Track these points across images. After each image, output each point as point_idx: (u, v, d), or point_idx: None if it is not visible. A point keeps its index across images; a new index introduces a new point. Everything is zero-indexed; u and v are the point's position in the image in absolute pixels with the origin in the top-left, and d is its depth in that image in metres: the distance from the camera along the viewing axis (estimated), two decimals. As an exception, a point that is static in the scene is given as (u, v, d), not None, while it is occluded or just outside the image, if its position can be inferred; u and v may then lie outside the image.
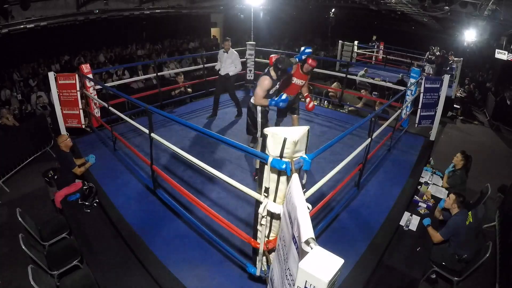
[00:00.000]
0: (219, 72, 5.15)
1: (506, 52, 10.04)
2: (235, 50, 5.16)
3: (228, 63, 5.04)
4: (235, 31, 16.34)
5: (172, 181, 2.85)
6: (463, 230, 2.94)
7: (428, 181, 4.03)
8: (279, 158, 1.67)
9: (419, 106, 4.83)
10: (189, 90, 6.14)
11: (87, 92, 4.59)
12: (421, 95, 4.74)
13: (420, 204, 3.58)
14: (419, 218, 3.31)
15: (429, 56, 9.93)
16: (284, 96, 3.22)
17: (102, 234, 2.93)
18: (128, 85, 7.67)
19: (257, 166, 3.38)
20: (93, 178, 3.61)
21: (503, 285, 2.94)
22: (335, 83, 7.16)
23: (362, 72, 8.81)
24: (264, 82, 3.17)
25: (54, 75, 4.24)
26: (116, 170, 3.78)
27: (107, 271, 2.55)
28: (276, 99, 3.27)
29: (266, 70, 3.27)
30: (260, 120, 3.38)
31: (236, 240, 2.55)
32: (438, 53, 8.91)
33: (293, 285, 1.07)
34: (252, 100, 3.36)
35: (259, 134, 3.43)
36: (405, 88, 4.99)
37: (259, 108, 3.34)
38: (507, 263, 3.10)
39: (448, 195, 3.38)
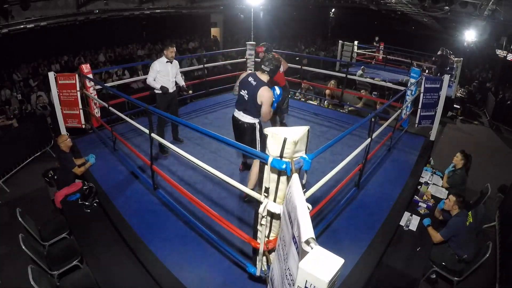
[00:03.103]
0: (161, 89, 3.94)
1: (506, 52, 10.06)
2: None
3: (173, 74, 4.06)
4: (235, 31, 16.36)
5: (172, 181, 2.85)
6: (463, 230, 2.94)
7: (428, 181, 4.03)
8: (279, 158, 1.67)
9: (419, 106, 4.83)
10: (190, 92, 6.13)
11: (87, 92, 4.58)
12: (421, 95, 4.74)
13: (420, 204, 3.58)
14: (419, 218, 3.31)
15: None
16: (278, 91, 2.86)
17: (102, 234, 2.92)
18: (128, 85, 7.67)
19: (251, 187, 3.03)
20: (93, 178, 3.61)
21: (503, 285, 2.94)
22: (332, 81, 7.15)
23: (360, 72, 8.81)
24: (269, 98, 2.77)
25: (54, 75, 4.24)
26: (116, 170, 3.78)
27: (107, 271, 2.55)
28: (274, 102, 2.89)
29: (253, 79, 2.83)
30: (259, 138, 3.00)
31: (236, 240, 2.55)
32: (439, 52, 8.89)
33: (293, 285, 1.07)
34: (244, 119, 2.97)
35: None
36: (405, 88, 4.99)
37: (257, 126, 2.97)
38: (507, 263, 3.10)
39: (448, 196, 3.39)
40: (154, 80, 3.93)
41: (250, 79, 2.87)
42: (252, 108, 2.89)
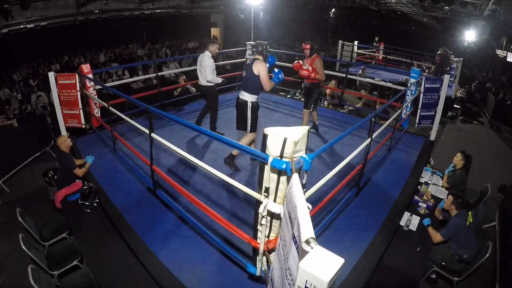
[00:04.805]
0: (223, 83, 4.53)
1: (506, 52, 10.06)
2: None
3: None
4: (235, 31, 16.37)
5: (172, 181, 2.84)
6: (463, 230, 2.94)
7: (428, 181, 4.03)
8: (279, 158, 1.67)
9: (419, 106, 4.83)
10: (193, 89, 6.11)
11: (87, 92, 4.58)
12: (421, 95, 4.73)
13: (420, 204, 3.58)
14: (419, 218, 3.31)
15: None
16: (277, 70, 3.51)
17: (102, 234, 2.92)
18: (128, 85, 7.67)
19: (234, 153, 3.65)
20: (93, 178, 3.61)
21: (503, 285, 2.94)
22: (332, 81, 7.16)
23: (359, 72, 8.81)
24: (263, 67, 3.33)
25: (54, 75, 4.24)
26: (116, 170, 3.78)
27: (107, 271, 2.55)
28: (274, 77, 3.50)
29: (250, 60, 3.43)
30: (250, 115, 3.45)
31: (236, 240, 2.55)
32: (439, 52, 8.89)
33: (293, 285, 1.07)
34: (242, 97, 3.46)
35: (248, 129, 3.50)
36: (405, 88, 4.99)
37: (249, 104, 3.42)
38: (507, 263, 3.10)
39: (448, 195, 3.39)
40: (213, 73, 4.30)
41: (248, 62, 3.50)
42: (250, 84, 3.40)
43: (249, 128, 3.51)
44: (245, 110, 3.44)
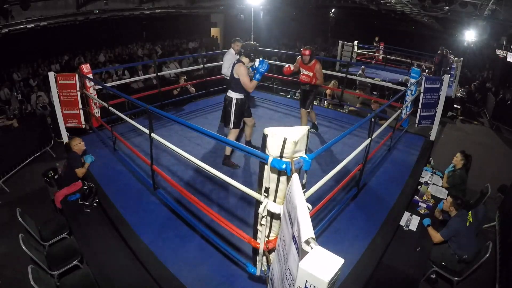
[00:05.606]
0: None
1: (506, 52, 10.07)
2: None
3: None
4: (235, 31, 16.35)
5: (172, 181, 2.84)
6: (463, 230, 2.94)
7: (428, 181, 4.03)
8: (279, 158, 1.67)
9: (419, 106, 4.83)
10: (193, 89, 6.11)
11: (87, 92, 4.58)
12: (421, 95, 4.74)
13: (420, 204, 3.58)
14: (419, 218, 3.31)
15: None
16: (258, 62, 3.36)
17: (102, 234, 2.92)
18: (128, 85, 7.67)
19: (227, 153, 3.73)
20: (93, 178, 3.61)
21: (503, 285, 2.94)
22: (332, 82, 7.16)
23: (359, 72, 8.82)
24: (242, 70, 3.36)
25: (54, 75, 4.24)
26: (116, 170, 3.78)
27: (107, 271, 2.55)
28: (256, 74, 3.38)
29: (236, 61, 3.50)
30: (234, 111, 3.53)
31: (236, 240, 2.55)
32: (439, 52, 8.89)
33: (293, 285, 1.07)
34: (228, 94, 3.55)
35: (231, 125, 3.58)
36: (405, 88, 4.99)
37: (234, 101, 3.51)
38: (507, 263, 3.10)
39: (447, 196, 3.39)
40: (228, 69, 4.48)
41: (234, 62, 3.53)
42: (233, 84, 3.48)
43: (231, 124, 3.57)
44: (230, 105, 3.54)
